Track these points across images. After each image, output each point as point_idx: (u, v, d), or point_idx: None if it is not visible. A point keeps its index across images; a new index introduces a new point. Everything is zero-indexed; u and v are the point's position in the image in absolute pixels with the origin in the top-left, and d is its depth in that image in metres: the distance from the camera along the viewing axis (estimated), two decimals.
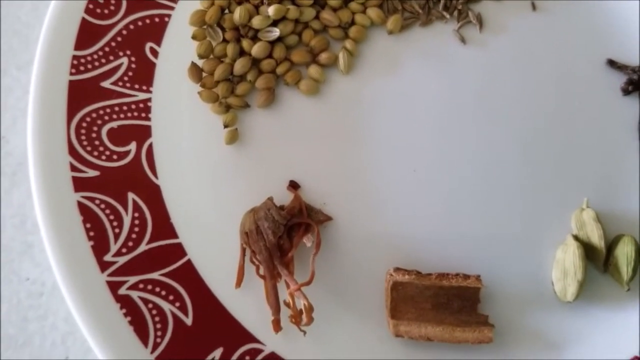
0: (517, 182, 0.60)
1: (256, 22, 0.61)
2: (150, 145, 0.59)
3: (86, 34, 0.60)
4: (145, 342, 0.54)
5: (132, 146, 0.59)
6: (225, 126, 0.61)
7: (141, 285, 0.56)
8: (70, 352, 0.59)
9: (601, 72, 0.64)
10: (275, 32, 0.62)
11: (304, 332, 0.56)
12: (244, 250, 0.58)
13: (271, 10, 0.61)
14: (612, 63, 0.64)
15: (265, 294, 0.57)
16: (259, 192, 0.59)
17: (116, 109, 0.59)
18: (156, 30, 0.62)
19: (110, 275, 0.55)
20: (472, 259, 0.59)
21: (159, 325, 0.55)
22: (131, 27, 0.61)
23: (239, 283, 0.57)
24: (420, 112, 0.62)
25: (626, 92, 0.63)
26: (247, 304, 0.57)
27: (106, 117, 0.59)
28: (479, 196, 0.60)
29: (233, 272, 0.57)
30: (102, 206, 0.57)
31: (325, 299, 0.58)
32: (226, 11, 0.63)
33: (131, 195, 0.57)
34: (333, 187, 0.60)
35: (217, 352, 0.55)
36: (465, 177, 0.60)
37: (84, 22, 0.60)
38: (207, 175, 0.60)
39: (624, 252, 0.57)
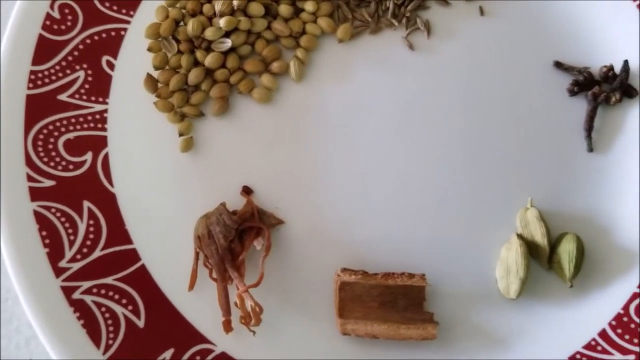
0: (464, 183, 0.62)
1: (209, 33, 0.64)
2: (107, 155, 0.61)
3: (43, 49, 0.62)
4: (97, 343, 0.56)
5: (88, 156, 0.61)
6: (181, 135, 0.63)
7: (95, 290, 0.58)
8: (33, 354, 0.62)
9: (548, 74, 0.65)
10: (228, 43, 0.64)
11: (254, 332, 0.57)
12: (197, 255, 0.60)
13: (223, 22, 0.63)
14: (558, 65, 0.65)
15: (217, 296, 0.58)
16: (213, 198, 0.61)
17: (72, 120, 0.61)
18: (112, 43, 0.64)
19: (64, 280, 0.57)
20: (420, 259, 0.61)
21: (111, 328, 0.57)
22: (88, 41, 0.63)
23: (191, 286, 0.59)
24: (369, 117, 0.64)
25: (572, 93, 0.64)
26: (199, 306, 0.59)
27: (63, 129, 0.61)
28: (427, 197, 0.62)
29: (187, 275, 0.59)
30: (58, 214, 0.59)
31: (277, 300, 0.60)
32: (181, 24, 0.65)
33: (86, 204, 0.59)
34: (285, 192, 0.62)
35: (168, 353, 0.57)
36: (412, 178, 0.63)
37: (41, 38, 0.62)
38: (163, 182, 0.62)
39: (566, 250, 0.58)
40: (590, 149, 0.63)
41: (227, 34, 0.65)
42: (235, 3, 0.63)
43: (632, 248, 0.60)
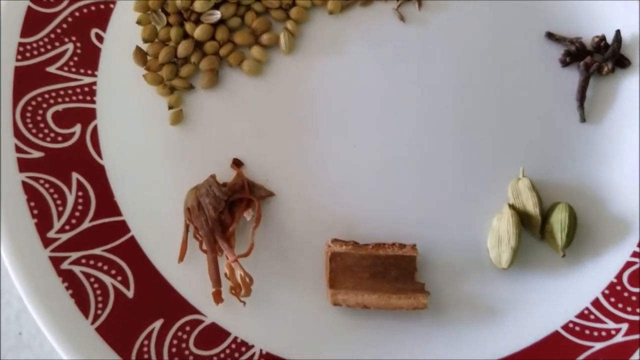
0: (456, 153, 0.62)
1: (198, 5, 0.63)
2: (95, 127, 0.61)
3: (32, 22, 0.62)
4: (86, 313, 0.56)
5: (77, 128, 0.60)
6: (170, 107, 0.63)
7: (83, 261, 0.57)
8: (24, 328, 0.61)
9: (540, 45, 0.65)
10: (217, 15, 0.63)
11: (244, 303, 0.57)
12: (187, 226, 0.59)
13: None
14: (550, 35, 0.65)
15: (208, 268, 0.58)
16: (203, 170, 0.61)
17: (61, 92, 0.61)
18: (101, 16, 0.64)
19: (53, 250, 0.57)
20: (412, 229, 0.61)
21: (100, 298, 0.57)
22: (77, 14, 0.63)
23: (181, 257, 0.59)
24: (360, 89, 0.63)
25: (564, 63, 0.64)
26: (189, 278, 0.58)
27: (51, 101, 0.61)
28: (419, 168, 0.62)
29: (177, 247, 0.59)
30: (47, 186, 0.59)
31: (267, 271, 0.59)
32: None
33: (75, 175, 0.59)
34: (276, 164, 0.62)
35: (158, 323, 0.57)
36: (404, 150, 0.63)
37: (29, 11, 0.62)
38: (152, 154, 0.61)
39: (559, 219, 0.58)
40: (583, 119, 0.62)
41: (216, 6, 0.64)
42: None
43: (625, 217, 0.59)
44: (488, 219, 0.60)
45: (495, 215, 0.60)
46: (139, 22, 0.64)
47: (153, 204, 0.60)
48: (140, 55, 0.63)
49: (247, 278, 0.57)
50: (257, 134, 0.62)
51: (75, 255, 0.58)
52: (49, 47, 0.62)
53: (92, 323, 0.56)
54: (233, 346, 0.57)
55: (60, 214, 0.58)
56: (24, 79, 0.61)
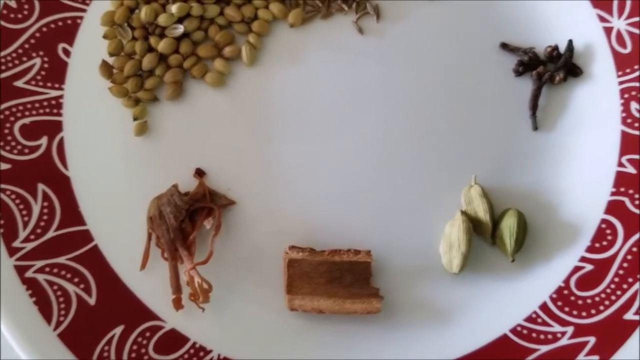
0: (412, 162, 0.64)
1: (162, 19, 0.65)
2: (62, 139, 0.63)
3: (0, 38, 0.64)
4: (48, 320, 0.58)
5: (44, 140, 0.62)
6: (135, 119, 0.65)
7: (47, 269, 0.59)
8: None
9: (495, 55, 0.67)
10: (180, 29, 0.65)
11: (203, 309, 0.59)
12: (149, 235, 0.61)
13: (174, 8, 0.65)
14: (504, 46, 0.66)
15: (169, 275, 0.60)
16: (167, 180, 0.63)
17: (28, 106, 0.63)
18: (69, 31, 0.66)
19: (18, 259, 0.59)
20: (368, 236, 0.62)
21: (62, 305, 0.59)
22: (44, 29, 0.65)
23: (143, 265, 0.61)
24: (320, 99, 0.65)
25: (518, 73, 0.66)
26: (151, 285, 0.60)
27: (19, 114, 0.63)
28: (376, 176, 0.64)
29: (140, 255, 0.61)
30: (13, 197, 0.61)
31: (228, 278, 0.61)
32: (136, 11, 0.66)
33: (41, 186, 0.61)
34: (238, 173, 0.64)
35: (118, 329, 0.59)
36: (362, 158, 0.64)
37: None
38: (117, 165, 0.63)
39: (508, 225, 0.60)
40: (535, 128, 0.64)
41: (180, 20, 0.66)
42: None
43: (574, 223, 0.61)
44: (442, 225, 0.62)
45: (448, 221, 0.61)
46: (105, 37, 0.66)
47: (117, 214, 0.62)
48: (106, 69, 0.65)
49: (205, 285, 0.59)
50: (220, 144, 0.64)
51: (39, 263, 0.60)
52: (16, 62, 0.64)
53: (55, 329, 0.58)
54: (192, 351, 0.59)
55: (25, 224, 0.60)
56: None
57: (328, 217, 0.63)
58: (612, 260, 0.59)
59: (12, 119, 0.63)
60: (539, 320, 0.59)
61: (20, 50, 0.64)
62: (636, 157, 0.62)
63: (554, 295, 0.59)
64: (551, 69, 0.65)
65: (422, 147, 0.64)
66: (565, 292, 0.59)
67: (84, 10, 0.66)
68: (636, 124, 0.62)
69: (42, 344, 0.58)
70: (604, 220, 0.61)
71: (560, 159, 0.63)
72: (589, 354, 0.58)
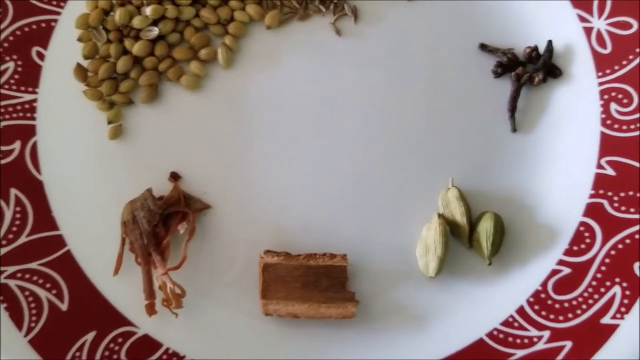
0: (391, 165, 0.64)
1: (136, 22, 0.65)
2: (35, 143, 0.62)
3: None
4: (19, 326, 0.58)
5: (17, 145, 0.62)
6: (110, 122, 0.64)
7: (19, 275, 0.59)
8: None
9: (475, 56, 0.66)
10: (155, 31, 0.65)
11: (176, 315, 0.58)
12: (123, 240, 0.61)
13: (149, 10, 0.64)
14: (483, 47, 0.66)
15: (142, 280, 0.59)
16: (142, 184, 0.62)
17: (2, 110, 0.62)
18: (43, 34, 0.65)
19: None
20: (346, 239, 0.62)
21: (34, 311, 0.58)
22: (18, 32, 0.64)
23: (116, 271, 0.60)
24: (296, 102, 0.65)
25: (496, 74, 0.65)
26: (124, 290, 0.60)
27: None
28: (353, 179, 0.64)
29: (113, 260, 0.60)
30: None
31: (202, 283, 0.61)
32: (111, 13, 0.66)
33: (13, 191, 0.61)
34: (214, 176, 0.63)
35: (90, 335, 0.58)
36: (338, 161, 0.64)
37: None
38: (91, 169, 0.63)
39: (484, 228, 0.59)
40: (514, 129, 0.63)
41: (155, 23, 0.65)
42: None
43: (552, 225, 0.60)
44: (419, 228, 0.61)
45: (426, 224, 0.61)
46: (80, 39, 0.65)
47: (91, 218, 0.62)
48: (81, 72, 0.65)
49: (178, 290, 0.58)
50: (196, 147, 0.64)
51: (11, 269, 0.59)
52: None
53: (26, 335, 0.58)
54: (165, 357, 0.59)
55: None
56: None
57: (304, 221, 0.62)
58: (590, 264, 0.59)
59: None
60: (516, 324, 0.58)
61: None
62: (615, 158, 0.61)
63: (531, 299, 0.59)
64: (530, 70, 0.64)
65: (400, 149, 0.63)
66: (543, 295, 0.59)
67: (58, 13, 0.66)
68: (616, 126, 0.62)
69: (12, 350, 0.57)
70: (582, 223, 0.60)
71: (539, 160, 0.63)
72: (565, 358, 0.57)
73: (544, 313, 0.58)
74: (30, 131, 0.63)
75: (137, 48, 0.64)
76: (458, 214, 0.60)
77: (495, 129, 0.64)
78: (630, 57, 0.63)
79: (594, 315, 0.57)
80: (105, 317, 0.59)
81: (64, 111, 0.64)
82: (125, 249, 0.61)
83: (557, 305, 0.58)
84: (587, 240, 0.59)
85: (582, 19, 0.65)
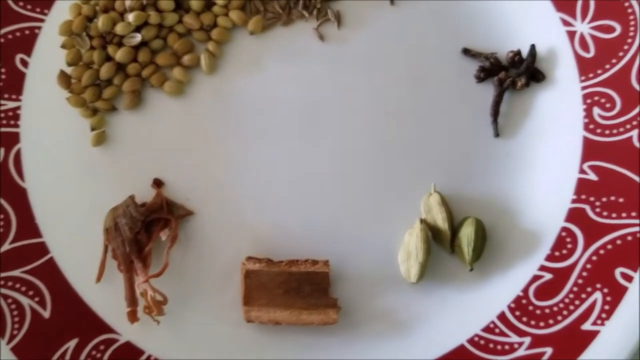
0: (374, 170, 0.64)
1: (119, 28, 0.65)
2: (19, 151, 0.62)
3: None
4: (2, 334, 0.58)
5: (0, 152, 0.62)
6: (93, 129, 0.64)
7: (2, 282, 0.59)
8: None
9: (458, 61, 0.66)
10: (137, 38, 0.65)
11: (158, 322, 0.58)
12: (106, 247, 0.61)
13: (131, 17, 0.64)
14: (466, 51, 0.66)
15: (124, 287, 0.59)
16: (126, 191, 0.62)
17: None
18: (26, 42, 0.65)
19: None
20: (329, 245, 0.62)
21: (16, 319, 0.58)
22: (1, 40, 0.65)
23: (99, 278, 0.60)
24: (279, 108, 0.65)
25: (479, 79, 0.65)
26: (107, 298, 0.60)
27: None
28: (336, 185, 0.64)
29: (96, 268, 0.60)
30: None
31: (185, 290, 0.61)
32: (95, 20, 0.66)
33: None
34: (197, 183, 0.63)
35: (72, 343, 0.58)
36: (322, 166, 0.64)
37: None
38: (75, 177, 0.63)
39: (466, 234, 0.59)
40: (497, 134, 0.63)
41: (138, 29, 0.65)
42: None
43: (535, 231, 0.61)
44: (402, 233, 0.61)
45: (408, 230, 0.61)
46: (63, 46, 0.65)
47: (75, 226, 0.62)
48: (64, 79, 0.65)
49: (159, 297, 0.58)
50: (180, 154, 0.64)
51: None
52: None
53: (8, 343, 0.58)
54: None
55: None
56: None
57: (287, 227, 0.62)
58: (571, 269, 0.59)
59: None
60: (497, 330, 0.58)
61: None
62: (598, 163, 0.61)
63: (512, 305, 0.59)
64: (513, 75, 0.64)
65: (383, 154, 0.63)
66: (524, 301, 0.59)
67: (42, 21, 0.66)
68: (598, 130, 0.62)
69: None
70: (564, 228, 0.60)
71: (521, 165, 0.63)
72: None
73: (525, 319, 0.58)
74: (14, 138, 0.63)
75: (120, 54, 0.64)
76: (440, 220, 0.60)
77: (478, 133, 0.63)
78: (614, 61, 0.63)
79: (575, 321, 0.57)
80: (87, 324, 0.59)
81: (47, 118, 0.64)
82: (108, 256, 0.60)
83: (538, 311, 0.58)
84: (569, 246, 0.59)
85: (566, 23, 0.65)
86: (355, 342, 0.59)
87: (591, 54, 0.63)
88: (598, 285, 0.58)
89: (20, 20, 0.66)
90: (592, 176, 0.60)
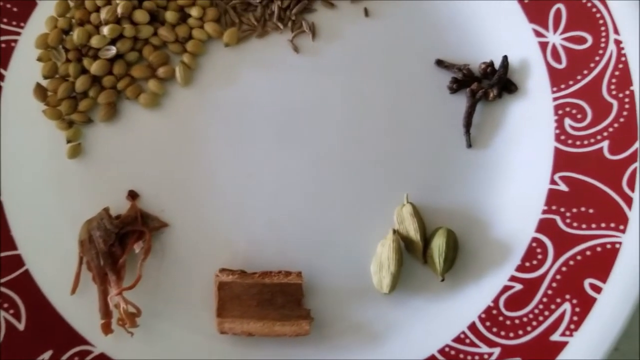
0: (347, 182, 0.64)
1: (94, 41, 0.65)
2: None
3: None
4: None
5: None
6: (69, 141, 0.65)
7: None
8: None
9: (431, 72, 0.66)
10: (113, 50, 0.65)
11: (131, 334, 0.59)
12: (81, 259, 0.61)
13: (106, 30, 0.65)
14: (439, 63, 0.66)
15: (98, 299, 0.60)
16: (101, 203, 0.63)
17: None
18: (3, 54, 0.66)
19: None
20: (303, 257, 0.62)
21: None
22: None
23: (74, 290, 0.61)
24: (254, 120, 0.65)
25: (452, 90, 0.65)
26: (82, 309, 0.60)
27: None
28: (310, 196, 0.64)
29: (71, 280, 0.60)
30: None
31: (159, 302, 0.61)
32: (71, 33, 0.66)
33: None
34: (172, 194, 0.64)
35: (47, 354, 0.59)
36: (296, 178, 0.65)
37: None
38: (51, 189, 0.63)
39: (437, 245, 0.60)
40: (469, 145, 0.64)
41: (114, 42, 0.65)
42: (119, 11, 0.65)
43: (505, 241, 0.61)
44: (375, 244, 0.62)
45: (381, 240, 0.61)
46: (39, 59, 0.66)
47: (50, 238, 0.62)
48: (40, 91, 0.65)
49: (132, 309, 0.58)
50: (155, 165, 0.64)
51: None
52: None
53: None
54: None
55: None
56: None
57: (260, 239, 0.63)
58: (541, 280, 0.59)
59: None
60: (467, 340, 0.59)
61: None
62: (569, 174, 0.61)
63: (483, 315, 0.59)
64: (485, 86, 0.65)
65: (356, 165, 0.63)
66: (494, 312, 0.59)
67: (18, 34, 0.66)
68: (569, 141, 0.62)
69: None
70: (534, 239, 0.60)
71: (493, 176, 0.63)
72: None
73: (495, 329, 0.58)
74: None
75: (95, 67, 0.65)
76: (412, 230, 0.60)
77: (450, 144, 0.64)
78: (585, 72, 0.63)
79: (544, 332, 0.58)
80: (62, 336, 0.60)
81: (23, 131, 0.64)
82: (84, 268, 0.61)
83: (508, 322, 0.58)
84: (539, 257, 0.60)
85: (538, 34, 0.65)
86: (328, 353, 0.60)
87: (563, 65, 0.64)
88: (567, 296, 0.58)
89: None
90: (563, 187, 0.61)
